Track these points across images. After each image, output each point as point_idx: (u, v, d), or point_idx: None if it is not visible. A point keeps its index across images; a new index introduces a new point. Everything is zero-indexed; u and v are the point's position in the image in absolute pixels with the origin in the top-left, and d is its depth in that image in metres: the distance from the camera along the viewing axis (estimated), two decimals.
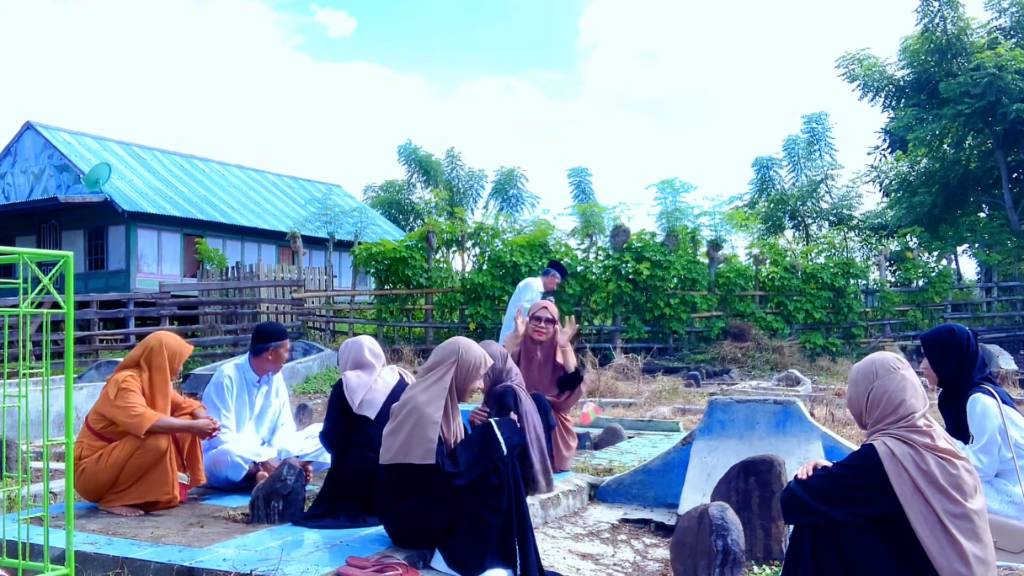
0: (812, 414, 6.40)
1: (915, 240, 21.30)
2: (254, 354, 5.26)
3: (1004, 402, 3.98)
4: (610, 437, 7.66)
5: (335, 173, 75.66)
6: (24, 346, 3.73)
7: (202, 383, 11.78)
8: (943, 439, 2.86)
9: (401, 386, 4.41)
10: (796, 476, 2.98)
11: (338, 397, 4.45)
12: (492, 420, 3.79)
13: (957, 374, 4.09)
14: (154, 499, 4.44)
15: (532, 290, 8.67)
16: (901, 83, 23.60)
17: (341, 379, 4.49)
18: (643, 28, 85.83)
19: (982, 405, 3.93)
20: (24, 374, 3.07)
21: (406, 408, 3.70)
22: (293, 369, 13.53)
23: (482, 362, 3.82)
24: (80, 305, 16.33)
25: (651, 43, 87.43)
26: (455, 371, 3.75)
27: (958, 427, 4.08)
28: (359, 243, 18.84)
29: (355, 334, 17.60)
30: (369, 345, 4.63)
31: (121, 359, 5.33)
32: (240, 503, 4.57)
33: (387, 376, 4.52)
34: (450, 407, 3.75)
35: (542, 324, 5.65)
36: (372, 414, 4.34)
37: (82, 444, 4.45)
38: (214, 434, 4.68)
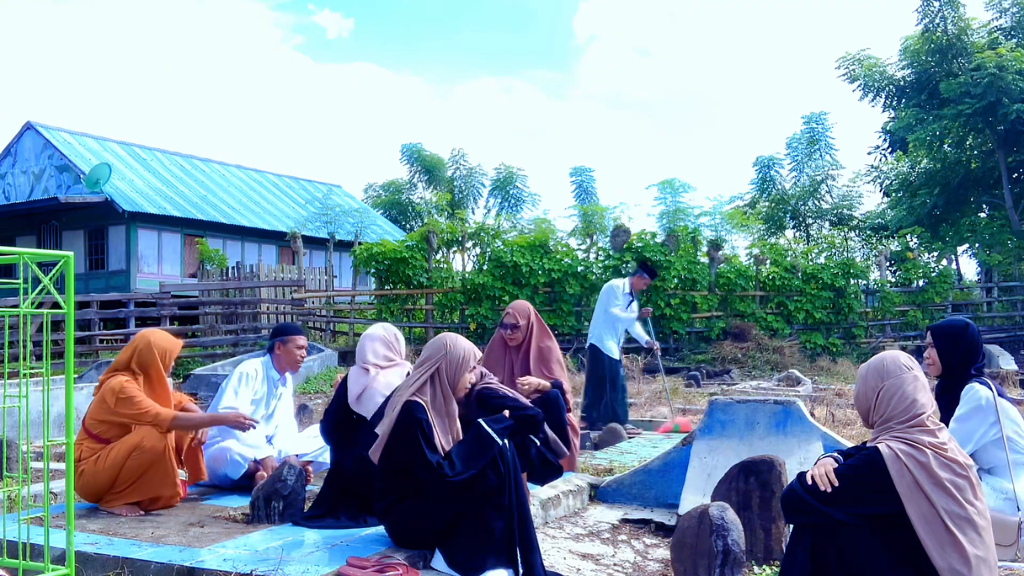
0: (812, 414, 6.39)
1: (915, 240, 21.31)
2: (268, 351, 5.34)
3: (1000, 395, 4.03)
4: (610, 437, 7.67)
5: (335, 173, 75.73)
6: (24, 346, 3.74)
7: (202, 383, 11.78)
8: (950, 440, 2.86)
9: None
10: (800, 475, 2.97)
11: (341, 390, 4.47)
12: (480, 419, 3.78)
13: (962, 366, 4.15)
14: (155, 495, 4.43)
15: (617, 293, 8.76)
16: (901, 83, 23.60)
17: (348, 372, 4.52)
18: (640, 28, 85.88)
19: (975, 392, 4.00)
20: (24, 374, 3.07)
21: (389, 407, 3.73)
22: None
23: (470, 355, 3.80)
24: (80, 305, 16.34)
25: (649, 43, 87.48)
26: (443, 366, 3.74)
27: (950, 418, 4.14)
28: (359, 243, 18.85)
29: (356, 334, 17.66)
30: (385, 340, 4.61)
31: None
32: (240, 503, 4.57)
33: (391, 376, 4.49)
34: (442, 404, 3.74)
35: (508, 331, 5.65)
36: (368, 413, 4.34)
37: (80, 447, 4.43)
38: (248, 426, 4.68)
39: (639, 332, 9.21)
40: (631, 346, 16.58)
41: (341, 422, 4.43)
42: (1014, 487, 3.88)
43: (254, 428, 4.78)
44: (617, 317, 8.70)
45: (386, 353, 4.60)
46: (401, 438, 3.63)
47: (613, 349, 8.70)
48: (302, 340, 5.32)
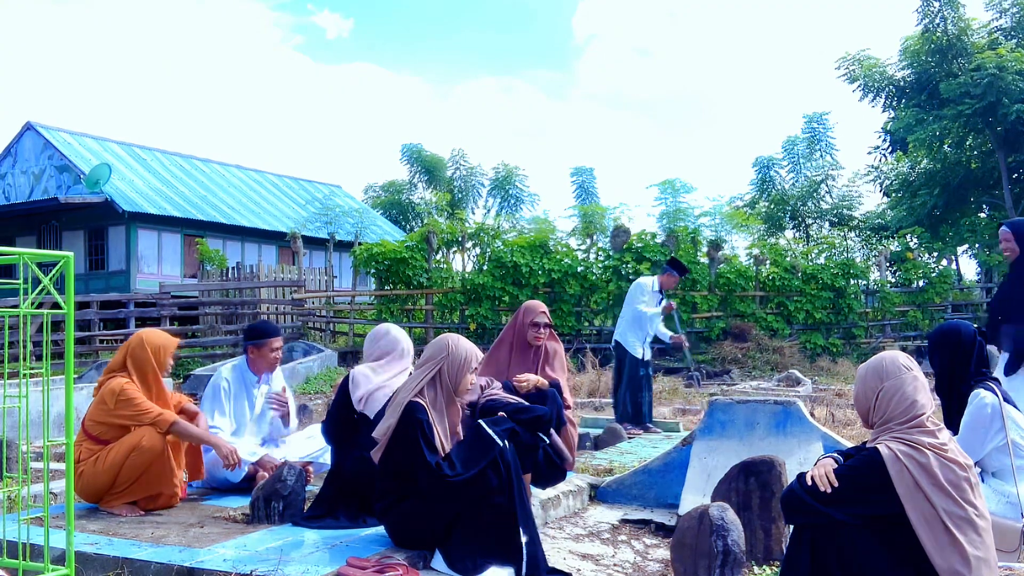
0: (812, 414, 6.39)
1: (915, 240, 21.31)
2: (244, 352, 5.29)
3: (1005, 400, 4.02)
4: (610, 437, 7.66)
5: (335, 173, 75.72)
6: (24, 346, 3.73)
7: (202, 383, 11.78)
8: (950, 441, 2.85)
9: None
10: (800, 475, 2.97)
11: (344, 389, 4.47)
12: (481, 420, 3.79)
13: (952, 370, 4.18)
14: (156, 492, 4.43)
15: (646, 290, 8.73)
16: (901, 83, 23.59)
17: (351, 372, 4.52)
18: (640, 28, 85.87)
19: (980, 399, 3.99)
20: (24, 374, 3.07)
21: (391, 407, 3.73)
22: (293, 369, 13.52)
23: (472, 356, 3.80)
24: (80, 306, 16.34)
25: (649, 43, 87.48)
26: (445, 367, 3.74)
27: (948, 421, 4.15)
28: (359, 243, 18.84)
29: (356, 335, 17.66)
30: (394, 339, 4.60)
31: None
32: (240, 503, 4.56)
33: (397, 378, 4.47)
34: (442, 405, 3.75)
35: (541, 329, 5.63)
36: (371, 414, 4.34)
37: (80, 447, 4.42)
38: (232, 466, 4.63)
39: (662, 330, 9.03)
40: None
41: (342, 423, 4.43)
42: (1018, 492, 3.86)
43: (241, 469, 4.78)
44: (643, 313, 8.64)
45: (402, 351, 4.60)
46: (402, 439, 3.63)
47: (637, 347, 8.66)
48: (276, 342, 5.20)
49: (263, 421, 5.27)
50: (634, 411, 8.53)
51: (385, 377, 4.47)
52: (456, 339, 3.83)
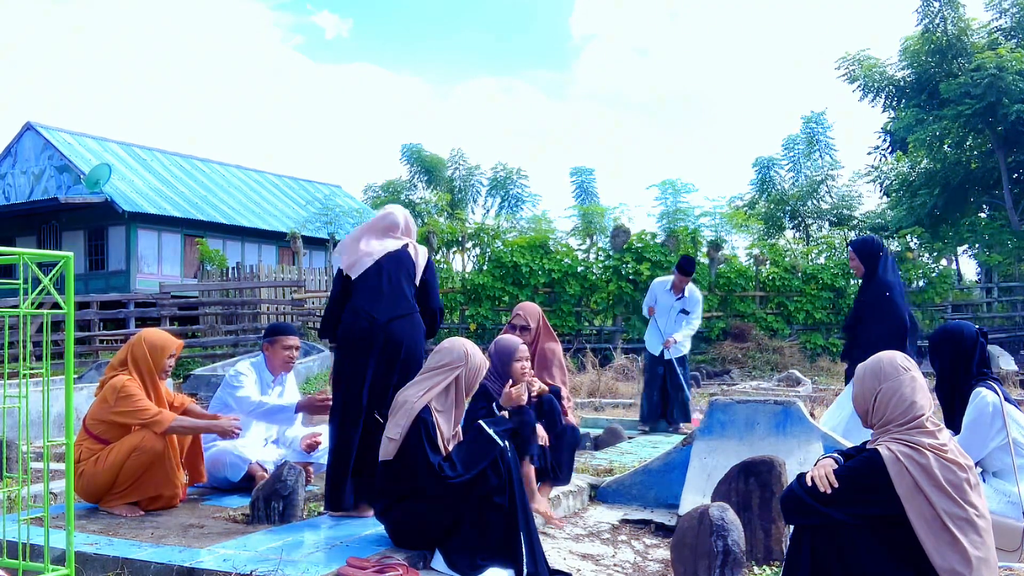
0: (812, 415, 6.39)
1: (915, 241, 21.30)
2: (263, 351, 5.30)
3: (1006, 399, 4.02)
4: (610, 438, 7.66)
5: (335, 173, 75.75)
6: (24, 346, 3.73)
7: (202, 383, 11.78)
8: (950, 441, 2.85)
9: (396, 255, 4.36)
10: (800, 476, 2.97)
11: (337, 278, 4.53)
12: (481, 420, 3.80)
13: (954, 370, 4.20)
14: (156, 495, 4.43)
15: (652, 292, 8.83)
16: (901, 84, 23.57)
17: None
18: (639, 28, 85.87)
19: (981, 398, 4.00)
20: (24, 374, 3.07)
21: (401, 409, 3.72)
22: (294, 369, 13.50)
23: (484, 363, 3.89)
24: (80, 306, 16.34)
25: (649, 43, 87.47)
26: (463, 374, 3.78)
27: (949, 421, 4.16)
28: None
29: None
30: (389, 214, 4.58)
31: None
32: (240, 503, 4.57)
33: (383, 244, 4.43)
34: (451, 408, 3.76)
35: (517, 332, 5.55)
36: (355, 274, 4.34)
37: (80, 447, 4.42)
38: (236, 434, 4.63)
39: (679, 334, 8.92)
40: (629, 346, 16.63)
41: (338, 301, 4.46)
42: (1019, 491, 3.86)
43: (238, 434, 4.74)
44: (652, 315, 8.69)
45: (392, 225, 4.57)
46: (408, 439, 3.64)
47: (655, 346, 8.78)
48: (290, 340, 5.26)
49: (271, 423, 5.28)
50: (649, 409, 8.59)
51: (363, 243, 4.43)
52: (471, 347, 3.87)
